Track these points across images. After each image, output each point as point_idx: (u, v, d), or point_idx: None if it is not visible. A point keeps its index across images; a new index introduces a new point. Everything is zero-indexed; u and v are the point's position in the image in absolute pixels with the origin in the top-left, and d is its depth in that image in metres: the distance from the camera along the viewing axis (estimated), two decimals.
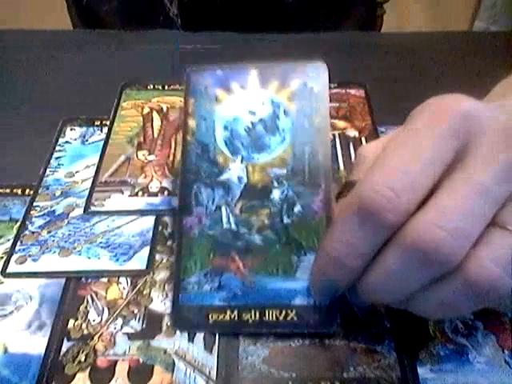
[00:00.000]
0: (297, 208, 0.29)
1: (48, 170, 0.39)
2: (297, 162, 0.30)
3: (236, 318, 0.28)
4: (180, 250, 0.30)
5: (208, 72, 0.32)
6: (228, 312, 0.28)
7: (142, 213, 0.36)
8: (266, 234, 0.29)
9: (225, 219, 0.30)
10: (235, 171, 0.30)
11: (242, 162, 0.31)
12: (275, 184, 0.30)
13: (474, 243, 0.22)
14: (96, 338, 0.29)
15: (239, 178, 0.30)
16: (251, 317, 0.28)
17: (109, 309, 0.31)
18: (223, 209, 0.30)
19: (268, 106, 0.32)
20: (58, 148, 0.41)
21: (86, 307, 0.31)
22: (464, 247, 0.22)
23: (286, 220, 0.29)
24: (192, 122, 0.32)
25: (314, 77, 0.32)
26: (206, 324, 0.28)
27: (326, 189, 0.30)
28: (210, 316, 0.28)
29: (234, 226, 0.30)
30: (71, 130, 0.43)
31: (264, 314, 0.28)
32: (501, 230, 0.22)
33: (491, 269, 0.22)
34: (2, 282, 0.32)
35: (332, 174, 0.30)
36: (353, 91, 0.46)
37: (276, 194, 0.30)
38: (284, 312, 0.28)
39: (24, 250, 0.34)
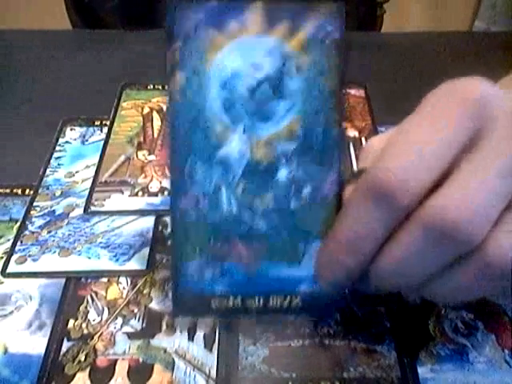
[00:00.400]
0: (306, 190, 0.26)
1: (48, 170, 0.39)
2: (307, 135, 0.25)
3: (239, 304, 0.27)
4: (176, 235, 0.26)
5: (199, 8, 0.25)
6: (231, 299, 0.27)
7: (142, 213, 0.36)
8: (271, 219, 0.26)
9: (225, 202, 0.26)
10: (236, 145, 0.25)
11: (244, 133, 0.25)
12: (282, 162, 0.25)
13: (493, 224, 0.22)
14: (96, 337, 0.29)
15: (241, 154, 0.25)
16: (255, 303, 0.27)
17: (109, 308, 0.31)
18: (223, 190, 0.26)
19: (276, 57, 0.24)
20: (58, 148, 0.41)
21: (85, 307, 0.31)
22: (484, 227, 0.22)
23: (293, 204, 0.26)
24: (180, 76, 0.25)
25: (330, 23, 0.25)
26: (208, 311, 0.27)
27: (338, 168, 0.26)
28: (212, 303, 0.27)
29: (235, 210, 0.26)
30: (71, 130, 0.43)
31: (268, 301, 0.27)
32: None
33: (510, 249, 0.22)
34: (2, 282, 0.32)
35: (345, 150, 0.27)
36: (353, 91, 0.46)
37: (283, 174, 0.26)
38: (289, 298, 0.27)
39: (24, 250, 0.34)
